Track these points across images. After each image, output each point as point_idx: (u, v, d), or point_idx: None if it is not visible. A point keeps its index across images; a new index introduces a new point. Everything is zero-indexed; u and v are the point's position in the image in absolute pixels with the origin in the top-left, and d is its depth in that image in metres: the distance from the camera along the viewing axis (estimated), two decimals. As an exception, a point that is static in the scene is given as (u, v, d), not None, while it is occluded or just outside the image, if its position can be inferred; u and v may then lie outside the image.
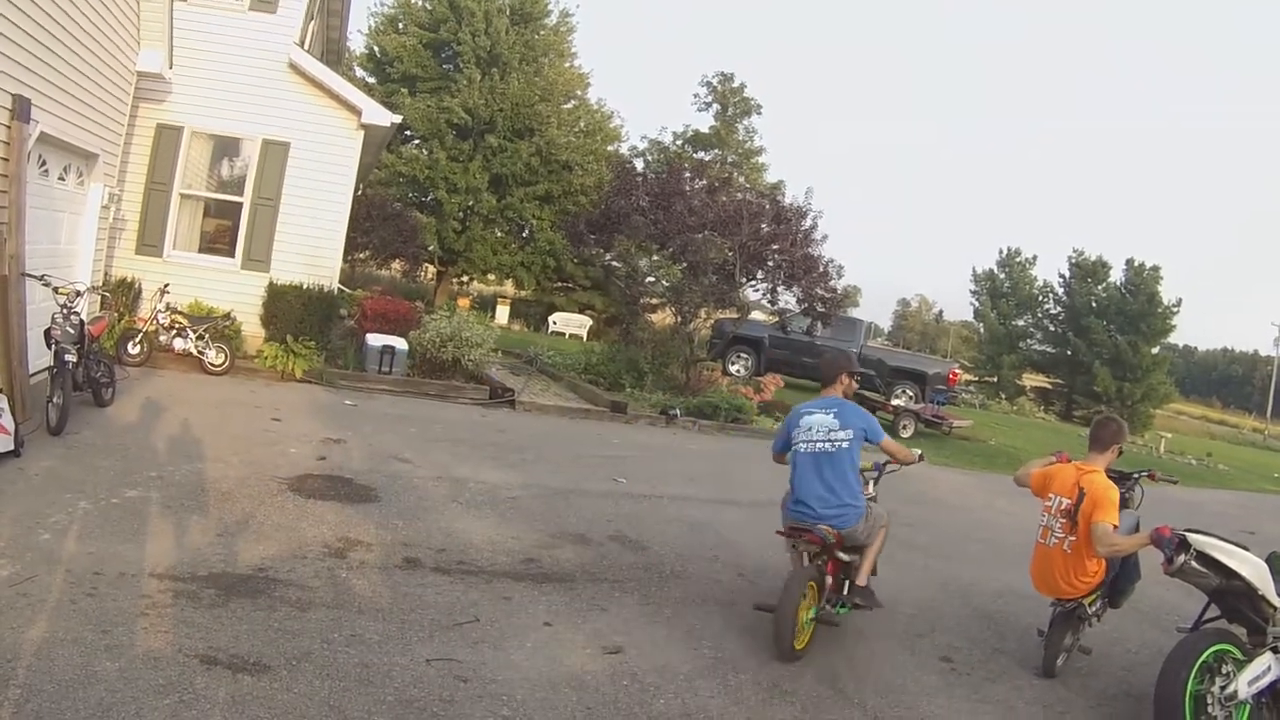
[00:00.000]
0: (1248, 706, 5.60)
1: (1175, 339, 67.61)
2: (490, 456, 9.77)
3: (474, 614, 5.41)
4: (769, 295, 19.42)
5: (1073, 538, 6.29)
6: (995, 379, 57.96)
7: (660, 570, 7.04)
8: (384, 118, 14.33)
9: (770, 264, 18.59)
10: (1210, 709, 5.40)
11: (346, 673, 4.34)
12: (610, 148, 34.89)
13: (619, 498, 9.22)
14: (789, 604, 5.84)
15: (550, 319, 32.13)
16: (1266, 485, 29.53)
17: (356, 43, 33.18)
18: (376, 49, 33.08)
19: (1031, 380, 64.39)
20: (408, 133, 30.66)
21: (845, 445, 6.31)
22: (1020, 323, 62.74)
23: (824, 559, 6.29)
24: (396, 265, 29.30)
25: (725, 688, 5.12)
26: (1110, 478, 6.43)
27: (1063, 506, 6.38)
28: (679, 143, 39.36)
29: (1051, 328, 61.34)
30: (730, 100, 41.02)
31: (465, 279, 36.17)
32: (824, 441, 6.34)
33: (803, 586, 5.92)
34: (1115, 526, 6.16)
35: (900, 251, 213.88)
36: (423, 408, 12.13)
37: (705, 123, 41.00)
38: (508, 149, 31.28)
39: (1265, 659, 5.67)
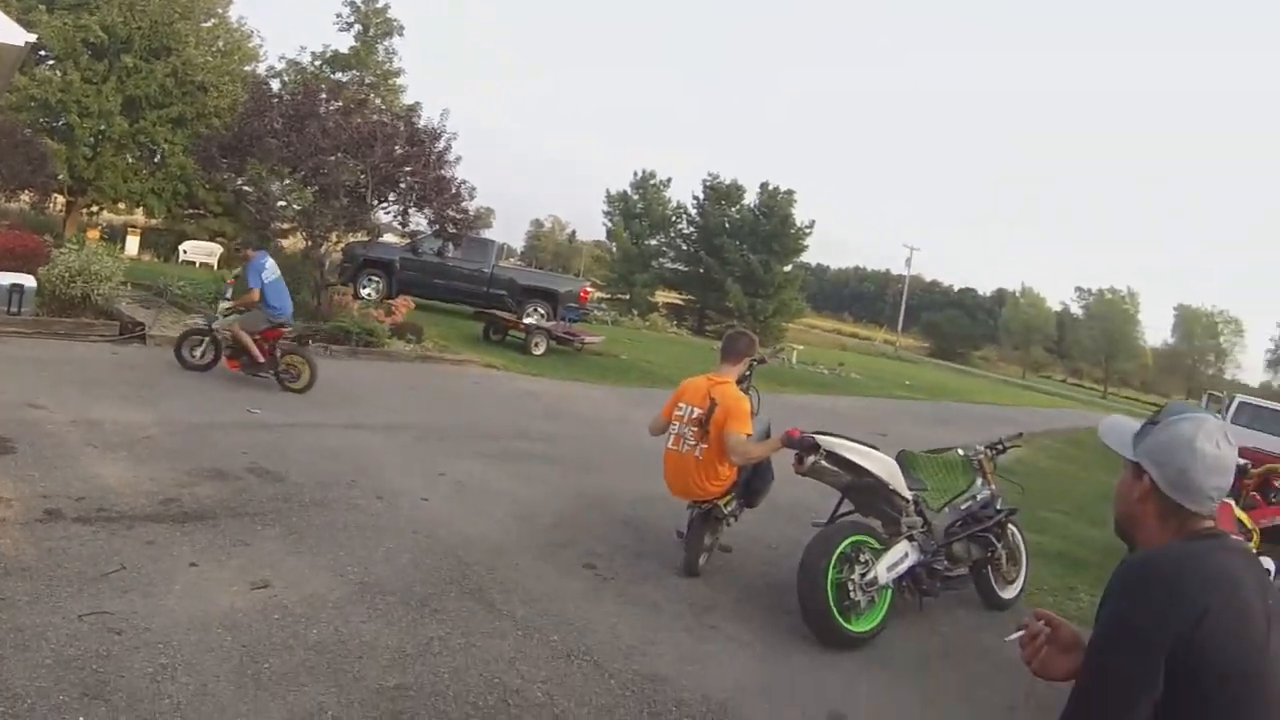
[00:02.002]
0: (889, 590, 6.32)
1: (809, 258, 71.15)
2: (124, 395, 9.53)
3: (119, 562, 5.35)
4: (401, 217, 19.44)
5: (704, 445, 6.77)
6: (628, 296, 59.38)
7: (300, 500, 7.13)
8: (17, 36, 13.31)
9: (403, 186, 18.61)
10: (853, 594, 6.07)
11: (0, 639, 4.27)
12: (248, 68, 33.50)
13: (254, 429, 9.20)
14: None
15: (181, 248, 30.82)
16: (897, 391, 31.98)
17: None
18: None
19: (664, 297, 66.51)
20: (43, 53, 28.53)
21: None
22: (653, 242, 64.40)
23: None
24: (26, 197, 27.35)
25: (375, 612, 5.32)
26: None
27: (694, 415, 6.84)
28: (318, 63, 38.25)
29: (685, 247, 63.38)
30: (372, 21, 40.13)
31: (95, 209, 34.12)
32: None
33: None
34: (749, 435, 6.71)
35: (533, 173, 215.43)
36: (55, 349, 11.59)
37: (346, 43, 40.04)
38: (143, 70, 29.52)
39: (902, 546, 6.44)
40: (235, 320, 11.54)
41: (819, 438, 6.41)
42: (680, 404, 7.05)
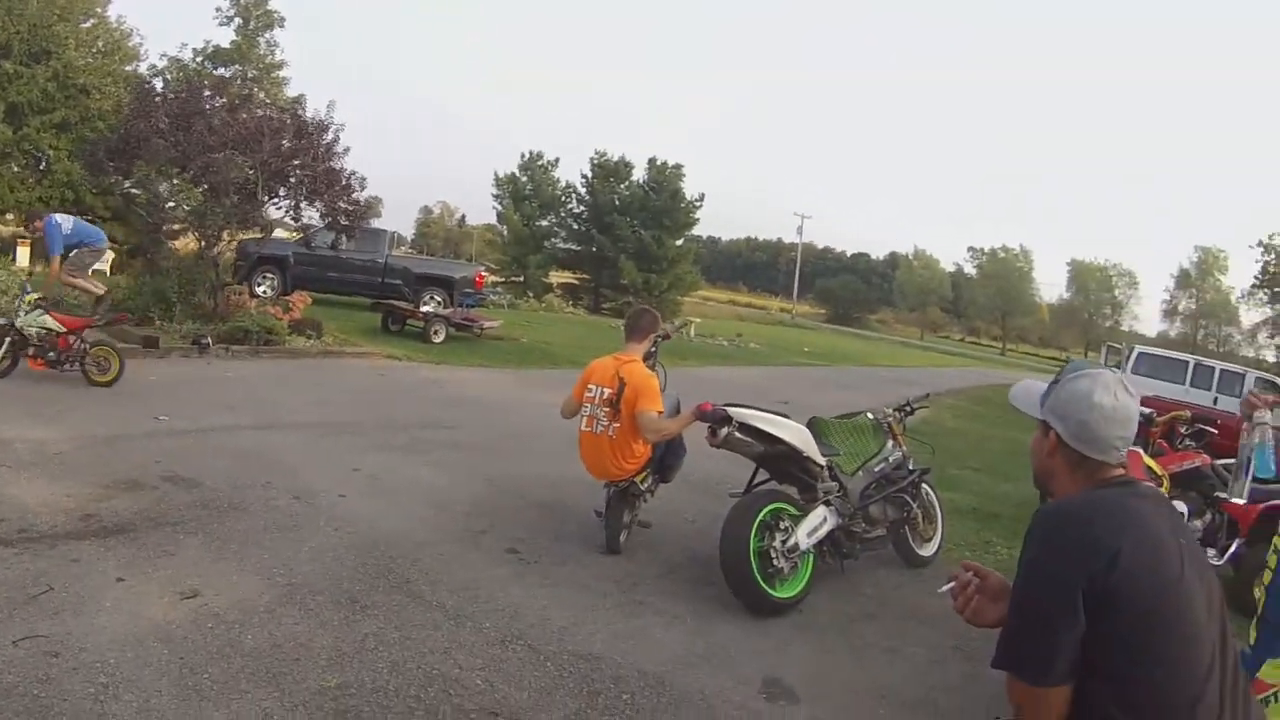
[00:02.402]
0: (811, 555, 6.45)
1: (699, 231, 71.50)
2: (29, 412, 9.32)
3: (46, 583, 5.27)
4: (292, 212, 19.17)
5: (617, 424, 6.86)
6: (522, 278, 59.29)
7: (218, 505, 7.07)
8: None
9: (293, 180, 18.32)
10: (776, 561, 6.19)
11: None
12: (129, 68, 32.81)
13: (163, 436, 9.07)
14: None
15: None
16: (797, 359, 32.32)
17: None
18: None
19: (559, 277, 66.50)
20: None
21: None
22: (544, 223, 64.30)
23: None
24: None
25: (306, 612, 5.32)
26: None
27: (605, 396, 6.92)
28: (199, 59, 37.53)
29: (576, 226, 63.41)
30: (252, 14, 39.45)
31: (-18, 222, 33.23)
32: None
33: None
34: (660, 412, 6.79)
35: (423, 160, 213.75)
36: None
37: (227, 38, 39.32)
38: (24, 75, 28.83)
39: (820, 511, 6.56)
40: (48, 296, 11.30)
41: (731, 410, 6.51)
42: (589, 385, 7.11)
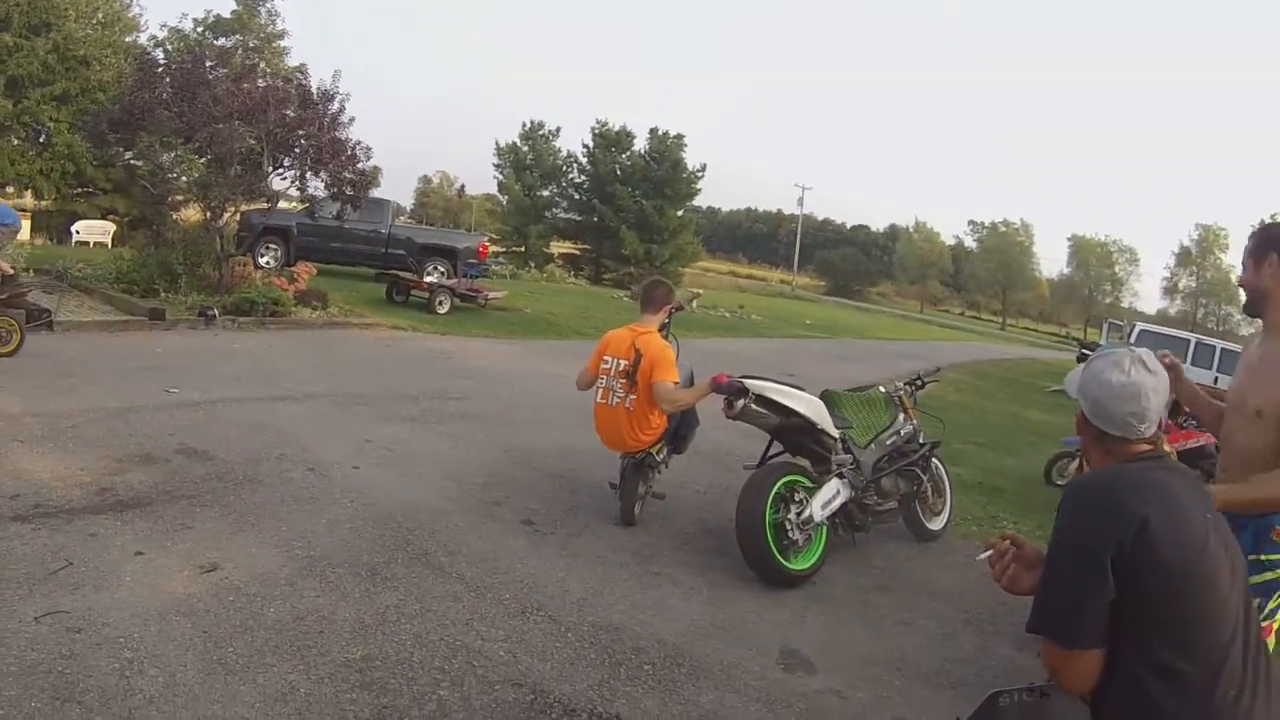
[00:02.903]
0: (825, 527, 6.48)
1: (700, 201, 71.32)
2: (40, 385, 9.32)
3: (65, 558, 5.26)
4: (298, 182, 19.15)
5: (634, 396, 6.86)
6: (523, 249, 59.24)
7: (233, 478, 7.08)
8: None
9: (297, 150, 18.34)
10: (791, 533, 6.22)
11: None
12: (129, 39, 32.63)
13: (175, 408, 9.07)
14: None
15: (73, 229, 30.02)
16: (798, 331, 32.30)
17: None
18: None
19: (560, 248, 66.48)
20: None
21: None
22: (545, 193, 64.15)
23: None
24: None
25: (327, 584, 5.34)
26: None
27: (621, 368, 6.93)
28: (200, 29, 37.30)
29: (577, 196, 63.27)
30: (253, -17, 39.18)
31: (-17, 195, 33.07)
32: None
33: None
34: (676, 383, 6.80)
35: (421, 129, 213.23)
36: None
37: (227, 7, 39.02)
38: (24, 47, 28.64)
39: (834, 484, 6.59)
40: None
41: (747, 381, 6.52)
42: (605, 357, 7.12)
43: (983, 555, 2.77)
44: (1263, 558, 3.62)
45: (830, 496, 6.56)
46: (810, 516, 6.36)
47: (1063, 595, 2.38)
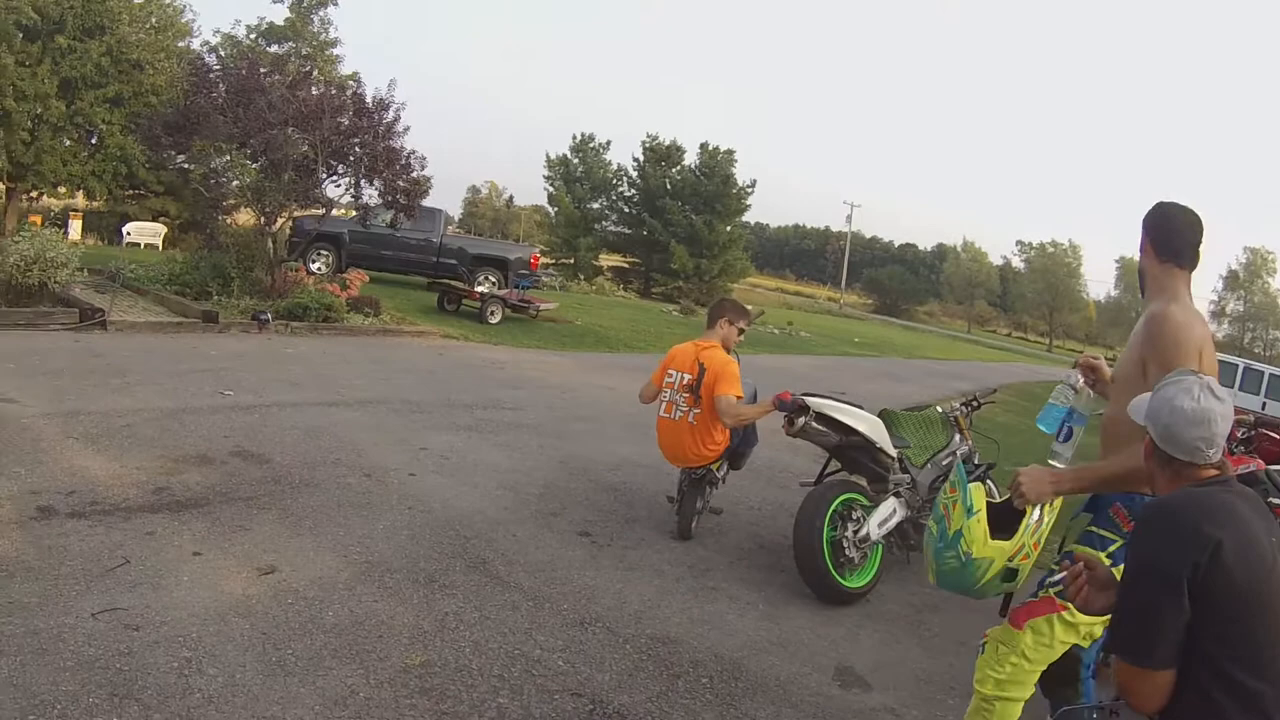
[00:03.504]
0: (881, 546, 6.47)
1: (749, 217, 71.17)
2: (95, 384, 9.40)
3: (123, 556, 5.29)
4: (352, 190, 19.23)
5: (697, 410, 6.84)
6: (573, 260, 59.21)
7: (290, 481, 7.12)
8: None
9: (352, 158, 18.44)
10: (847, 551, 6.23)
11: (18, 645, 4.17)
12: (182, 44, 33.00)
13: (230, 411, 9.11)
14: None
15: (124, 230, 30.23)
16: (847, 349, 32.18)
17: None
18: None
19: (609, 260, 66.37)
20: (-29, 39, 27.86)
21: None
22: (595, 206, 64.15)
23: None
24: (-37, 187, 26.60)
25: (385, 590, 5.35)
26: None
27: (685, 382, 6.92)
28: (253, 36, 37.66)
29: (627, 210, 63.20)
30: (306, -9, 39.49)
31: (36, 194, 33.46)
32: None
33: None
34: (739, 397, 6.79)
35: (468, 140, 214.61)
36: (15, 339, 11.34)
37: (280, 15, 39.39)
38: (78, 50, 28.95)
39: (890, 503, 6.55)
40: None
41: (808, 399, 6.52)
42: (669, 371, 7.11)
43: (1056, 577, 2.85)
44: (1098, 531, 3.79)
45: (887, 515, 6.51)
46: (867, 535, 6.33)
47: (1139, 616, 2.40)
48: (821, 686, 5.06)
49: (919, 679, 5.38)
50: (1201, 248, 3.83)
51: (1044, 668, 3.78)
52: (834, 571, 6.16)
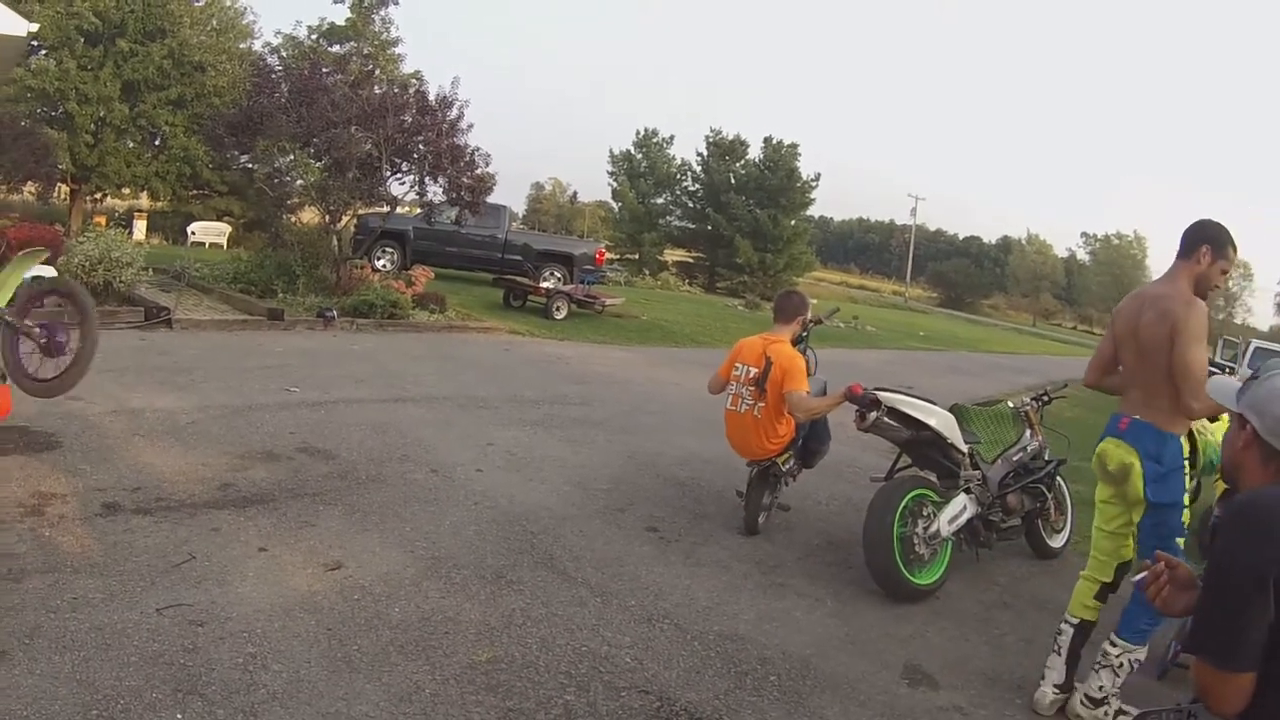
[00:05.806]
0: (950, 542, 6.39)
1: (813, 211, 70.93)
2: (159, 381, 9.50)
3: (188, 552, 5.31)
4: (418, 187, 19.29)
5: (762, 404, 6.78)
6: (637, 256, 59.37)
7: (356, 477, 7.13)
8: (18, 26, 12.64)
9: (416, 155, 18.49)
10: (917, 548, 6.15)
11: (82, 640, 4.17)
12: (243, 45, 33.36)
13: (295, 407, 9.16)
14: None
15: (189, 229, 30.61)
16: (912, 343, 31.93)
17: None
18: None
19: (673, 255, 66.48)
20: (35, 43, 28.26)
21: None
22: (659, 201, 64.26)
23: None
24: (30, 188, 27.06)
25: (452, 586, 5.34)
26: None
27: (751, 375, 6.86)
28: (314, 36, 37.94)
29: (691, 204, 63.36)
30: (366, -9, 39.68)
31: (100, 195, 33.96)
32: None
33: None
34: (807, 392, 6.73)
35: (531, 136, 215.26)
36: None
37: (341, 15, 39.65)
38: (139, 53, 29.37)
39: (961, 499, 6.46)
40: None
41: (880, 394, 6.43)
42: (737, 364, 7.06)
43: (1137, 577, 2.75)
44: None
45: (957, 512, 6.42)
46: (937, 531, 6.24)
47: (1222, 616, 2.30)
48: (890, 685, 4.98)
49: (988, 679, 5.28)
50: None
51: None
52: (903, 568, 6.07)
